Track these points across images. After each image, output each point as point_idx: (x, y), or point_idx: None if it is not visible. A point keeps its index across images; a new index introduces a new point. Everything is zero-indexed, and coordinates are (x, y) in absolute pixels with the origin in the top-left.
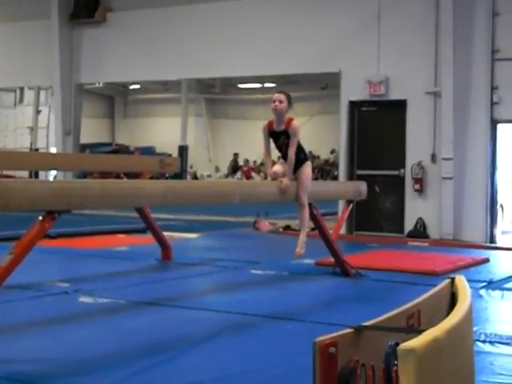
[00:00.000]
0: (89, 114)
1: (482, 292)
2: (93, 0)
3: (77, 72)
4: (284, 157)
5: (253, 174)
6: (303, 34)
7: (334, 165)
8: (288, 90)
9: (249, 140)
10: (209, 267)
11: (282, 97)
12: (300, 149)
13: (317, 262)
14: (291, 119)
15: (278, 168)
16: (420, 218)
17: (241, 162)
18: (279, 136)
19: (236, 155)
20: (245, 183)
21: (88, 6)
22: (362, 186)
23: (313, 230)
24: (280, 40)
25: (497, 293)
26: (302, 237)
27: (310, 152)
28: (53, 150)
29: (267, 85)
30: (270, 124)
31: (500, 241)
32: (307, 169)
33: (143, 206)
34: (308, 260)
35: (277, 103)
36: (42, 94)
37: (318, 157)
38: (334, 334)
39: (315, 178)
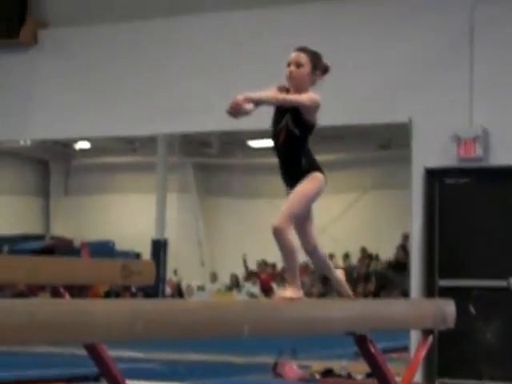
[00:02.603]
0: (9, 188)
1: None
2: (17, 10)
3: None
4: (282, 163)
5: (272, 284)
6: (352, 64)
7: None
8: (326, 151)
9: (265, 229)
10: None
11: (302, 57)
12: (301, 148)
13: None
14: None
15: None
16: None
17: (251, 265)
18: (283, 115)
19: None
20: (259, 304)
21: (9, 20)
22: (448, 307)
23: (369, 376)
24: None
25: None
26: (290, 291)
27: (364, 249)
28: None
29: None
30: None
31: None
32: (312, 181)
33: (95, 341)
34: None
35: (292, 67)
36: None
37: (377, 257)
38: None
39: (373, 294)
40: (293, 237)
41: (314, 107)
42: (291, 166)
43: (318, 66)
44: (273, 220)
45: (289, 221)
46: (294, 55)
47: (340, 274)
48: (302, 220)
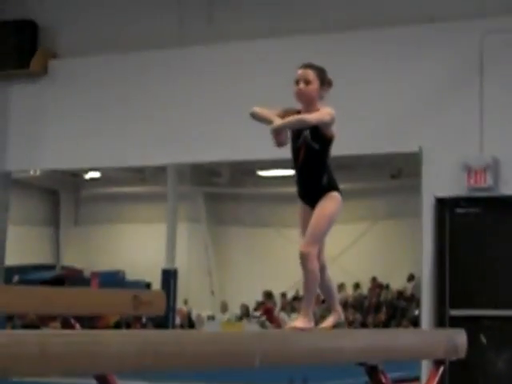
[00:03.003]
0: (19, 219)
1: None
2: (27, 41)
3: (0, 154)
4: (302, 180)
5: (282, 314)
6: (363, 95)
7: (414, 300)
8: (339, 180)
9: (275, 259)
10: None
11: (310, 74)
12: (322, 164)
13: None
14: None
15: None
16: None
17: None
18: (301, 132)
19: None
20: (271, 334)
21: (19, 50)
22: (460, 337)
23: None
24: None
25: None
26: (302, 321)
27: (374, 279)
28: None
29: None
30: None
31: None
32: (331, 202)
33: (106, 372)
34: None
35: (301, 85)
36: None
37: (387, 286)
38: None
39: (383, 324)
40: (317, 265)
41: (332, 121)
42: (312, 183)
43: (325, 81)
44: (299, 245)
45: (314, 245)
46: (301, 72)
47: (338, 309)
48: None
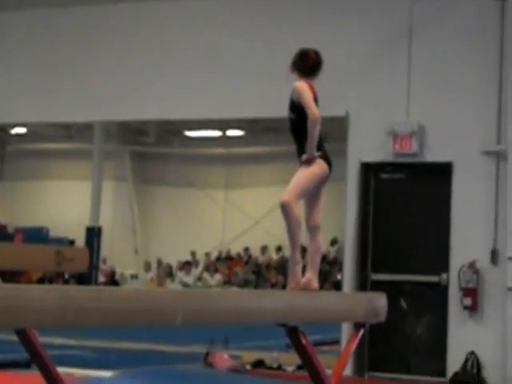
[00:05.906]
0: None
1: None
2: None
3: None
4: (295, 144)
5: (205, 274)
6: (288, 56)
7: (336, 263)
8: (264, 143)
9: (199, 219)
10: None
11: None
12: (302, 133)
13: None
14: None
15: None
16: (472, 353)
17: (185, 255)
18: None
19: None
20: (192, 293)
21: None
22: (380, 301)
23: (299, 368)
24: (252, 65)
25: None
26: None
27: None
28: None
29: (231, 133)
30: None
31: None
32: (314, 165)
33: (25, 326)
34: None
35: None
36: None
37: None
38: None
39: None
40: (297, 213)
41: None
42: (297, 148)
43: (294, 62)
44: (280, 196)
45: (294, 195)
46: None
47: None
48: (311, 198)
